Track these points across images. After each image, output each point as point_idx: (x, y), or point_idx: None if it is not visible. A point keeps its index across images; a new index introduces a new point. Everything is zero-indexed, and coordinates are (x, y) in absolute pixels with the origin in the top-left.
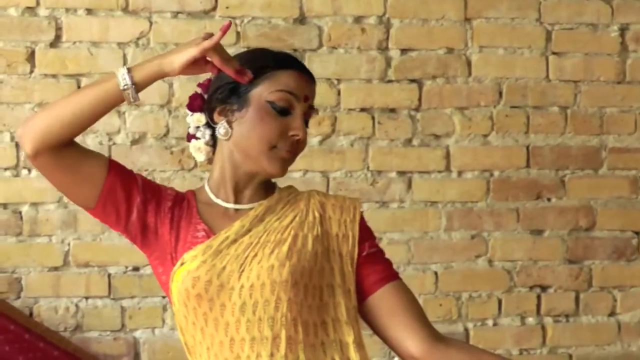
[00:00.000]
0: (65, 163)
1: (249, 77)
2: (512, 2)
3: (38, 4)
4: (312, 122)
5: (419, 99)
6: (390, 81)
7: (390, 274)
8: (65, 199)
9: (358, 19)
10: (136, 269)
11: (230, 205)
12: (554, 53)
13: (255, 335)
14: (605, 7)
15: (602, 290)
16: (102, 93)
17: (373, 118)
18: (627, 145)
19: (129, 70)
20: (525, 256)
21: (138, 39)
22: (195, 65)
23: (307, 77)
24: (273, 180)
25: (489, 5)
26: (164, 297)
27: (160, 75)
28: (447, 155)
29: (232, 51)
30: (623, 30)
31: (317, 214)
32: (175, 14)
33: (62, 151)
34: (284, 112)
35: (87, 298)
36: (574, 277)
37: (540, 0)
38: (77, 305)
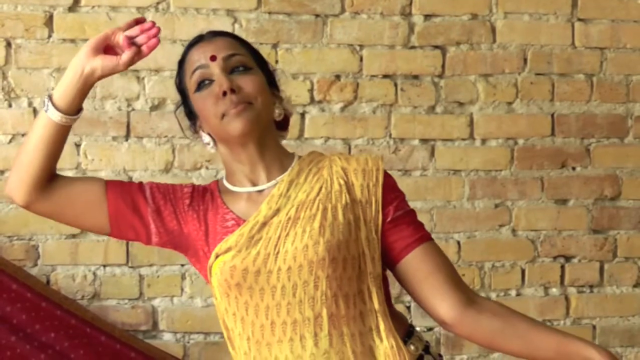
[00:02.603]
0: (59, 200)
1: (149, 24)
2: None
3: None
4: (334, 88)
5: (443, 66)
6: (413, 47)
7: (417, 239)
8: (84, 165)
9: None
10: None
11: (250, 189)
12: (580, 19)
13: (297, 317)
14: None
15: (627, 260)
16: (39, 126)
17: (396, 85)
18: None
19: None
20: (550, 226)
21: (158, 3)
22: (109, 55)
23: (205, 42)
24: (292, 152)
25: None
26: (182, 265)
27: (76, 77)
28: (471, 123)
29: (253, 16)
30: None
31: (342, 182)
32: None
33: (50, 191)
34: (205, 86)
35: (105, 266)
36: (599, 247)
37: None
38: (94, 273)
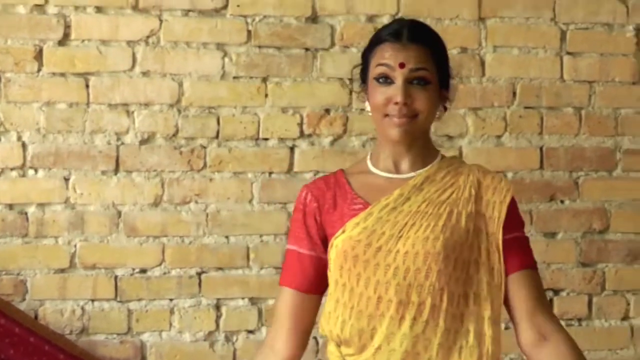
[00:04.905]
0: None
1: None
2: (527, 1)
3: (47, 1)
4: (324, 122)
5: None
6: None
7: (527, 260)
8: (72, 199)
9: (371, 18)
10: (143, 271)
11: (390, 175)
12: (568, 53)
13: (403, 298)
14: (621, 7)
15: (616, 293)
16: None
17: None
18: None
19: None
20: (538, 259)
21: (148, 37)
22: None
23: (401, 44)
24: (438, 148)
25: (503, 5)
26: (171, 299)
27: None
28: (460, 156)
29: (243, 50)
30: (639, 30)
31: (473, 192)
32: (186, 12)
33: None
34: (385, 82)
35: (93, 301)
36: (587, 280)
37: (555, 0)
38: (83, 308)
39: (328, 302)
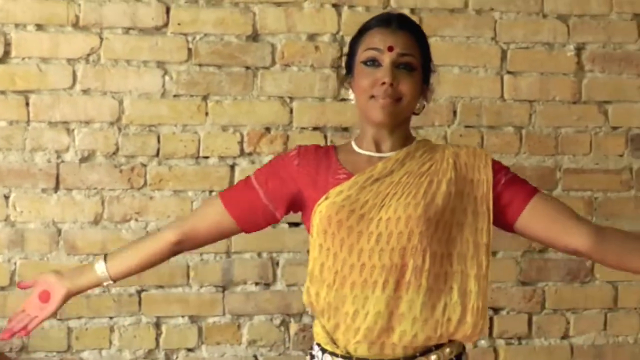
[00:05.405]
0: (199, 242)
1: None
2: (468, 20)
3: None
4: (264, 140)
5: None
6: (343, 100)
7: (532, 189)
8: (12, 217)
9: (312, 37)
10: None
11: (372, 154)
12: (509, 72)
13: (386, 263)
14: (562, 27)
15: (555, 312)
16: None
17: (326, 137)
18: (582, 166)
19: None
20: None
21: (88, 55)
22: None
23: (390, 30)
24: (414, 134)
25: (444, 24)
26: (111, 317)
27: None
28: None
29: (183, 69)
30: (579, 49)
31: (451, 161)
32: (127, 30)
33: (188, 245)
34: (373, 65)
35: None
36: (527, 299)
37: (496, 19)
38: None
39: (314, 266)
